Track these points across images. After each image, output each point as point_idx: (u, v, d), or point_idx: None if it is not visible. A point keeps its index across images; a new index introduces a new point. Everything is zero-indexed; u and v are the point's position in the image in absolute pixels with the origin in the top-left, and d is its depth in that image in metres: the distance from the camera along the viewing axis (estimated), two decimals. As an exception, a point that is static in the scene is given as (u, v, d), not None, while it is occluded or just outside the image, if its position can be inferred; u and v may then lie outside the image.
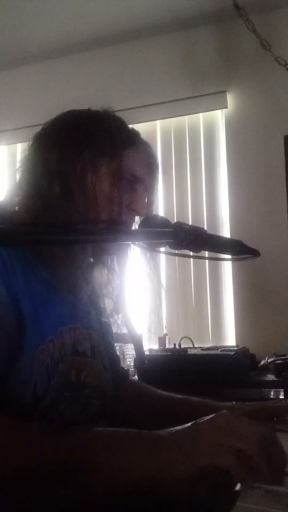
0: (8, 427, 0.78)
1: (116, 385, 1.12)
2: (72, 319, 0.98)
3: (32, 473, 0.76)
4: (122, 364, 2.58)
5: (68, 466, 0.76)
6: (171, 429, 0.77)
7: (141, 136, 1.05)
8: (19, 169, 0.99)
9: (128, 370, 1.30)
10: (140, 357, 1.10)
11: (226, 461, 0.69)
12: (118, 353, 2.58)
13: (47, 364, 0.88)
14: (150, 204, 1.06)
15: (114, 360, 1.20)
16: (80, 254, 0.93)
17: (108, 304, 1.09)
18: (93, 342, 1.04)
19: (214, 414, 0.75)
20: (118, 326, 1.12)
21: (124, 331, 1.08)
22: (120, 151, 0.95)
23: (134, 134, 1.02)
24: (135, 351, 1.10)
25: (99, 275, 1.05)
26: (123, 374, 1.25)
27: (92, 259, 1.02)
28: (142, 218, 1.01)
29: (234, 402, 1.10)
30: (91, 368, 1.01)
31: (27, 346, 0.85)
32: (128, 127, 1.03)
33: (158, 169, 1.06)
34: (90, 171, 0.94)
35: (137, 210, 1.00)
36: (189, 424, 0.76)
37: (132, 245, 1.04)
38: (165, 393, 1.18)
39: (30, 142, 1.01)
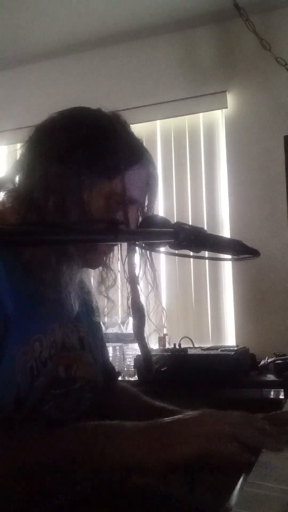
0: None
1: (106, 383, 1.12)
2: (59, 315, 0.97)
3: (18, 477, 0.76)
4: (122, 365, 2.59)
5: (61, 459, 0.77)
6: (176, 416, 0.79)
7: (146, 152, 1.00)
8: (16, 168, 0.96)
9: (118, 371, 1.30)
10: (147, 369, 1.09)
11: (227, 447, 0.71)
12: (118, 353, 2.60)
13: (31, 365, 0.88)
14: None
15: (104, 360, 1.19)
16: (65, 259, 0.92)
17: (100, 303, 1.08)
18: (81, 334, 1.04)
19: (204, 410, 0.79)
20: (116, 327, 1.11)
21: (116, 331, 1.07)
22: (121, 172, 0.92)
23: (139, 153, 0.98)
24: (143, 364, 1.08)
25: (93, 274, 1.05)
26: (113, 375, 1.24)
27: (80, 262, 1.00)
28: (143, 218, 1.01)
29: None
30: (81, 361, 1.01)
31: (9, 348, 0.84)
32: (135, 143, 0.99)
33: (157, 184, 1.04)
34: (86, 188, 0.91)
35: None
36: (182, 415, 0.79)
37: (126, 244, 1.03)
38: (157, 403, 1.13)
39: (32, 136, 0.97)
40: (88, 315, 1.11)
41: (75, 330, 1.03)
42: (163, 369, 1.14)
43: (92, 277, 1.07)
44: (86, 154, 0.91)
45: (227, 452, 0.71)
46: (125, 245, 1.05)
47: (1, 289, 0.84)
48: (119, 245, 1.04)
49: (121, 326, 2.58)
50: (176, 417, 0.80)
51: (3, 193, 0.96)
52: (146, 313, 1.02)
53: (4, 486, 0.76)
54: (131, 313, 1.00)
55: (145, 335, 1.02)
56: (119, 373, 1.29)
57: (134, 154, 0.96)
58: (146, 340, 1.02)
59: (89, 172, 0.91)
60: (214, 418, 0.77)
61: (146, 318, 1.04)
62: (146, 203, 1.03)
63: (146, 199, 1.03)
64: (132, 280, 1.01)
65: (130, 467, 0.75)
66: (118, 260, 1.06)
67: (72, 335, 1.02)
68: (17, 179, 0.96)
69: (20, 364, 0.86)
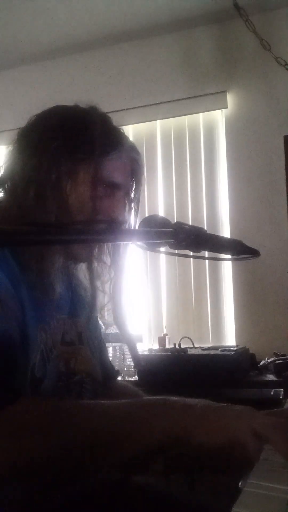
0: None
1: (105, 382, 1.12)
2: (58, 309, 1.00)
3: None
4: (122, 365, 2.59)
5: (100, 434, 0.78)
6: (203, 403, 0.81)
7: (127, 139, 1.01)
8: (3, 165, 0.99)
9: (118, 370, 1.30)
10: (136, 358, 1.10)
11: (246, 438, 0.73)
12: (118, 353, 2.60)
13: (41, 350, 0.91)
14: (133, 208, 1.05)
15: (102, 358, 1.19)
16: (51, 258, 0.93)
17: (100, 299, 1.09)
18: (79, 329, 1.06)
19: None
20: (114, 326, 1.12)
21: (116, 330, 1.08)
22: (99, 157, 0.94)
23: (118, 139, 0.99)
24: (130, 352, 1.10)
25: (91, 270, 1.05)
26: (112, 374, 1.24)
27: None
28: (142, 218, 1.01)
29: None
30: (80, 354, 1.03)
31: (28, 331, 0.88)
32: (114, 130, 1.00)
33: (143, 173, 1.05)
34: (66, 176, 0.93)
35: (114, 216, 0.98)
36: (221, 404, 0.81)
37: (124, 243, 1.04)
38: None
39: (15, 138, 1.01)
40: (85, 310, 1.11)
41: (73, 325, 1.05)
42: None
43: (88, 273, 1.08)
44: (61, 143, 0.93)
45: (253, 450, 0.73)
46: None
47: (13, 276, 0.88)
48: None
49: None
50: (225, 404, 0.81)
51: None
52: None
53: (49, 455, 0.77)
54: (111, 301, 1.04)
55: (126, 322, 1.05)
56: (118, 372, 1.29)
57: (112, 139, 0.97)
58: (127, 328, 1.05)
59: (66, 160, 0.93)
60: (254, 415, 0.78)
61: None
62: (132, 189, 1.04)
63: (132, 185, 1.03)
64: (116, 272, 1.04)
65: (176, 439, 0.76)
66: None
67: (71, 330, 1.03)
68: (2, 179, 0.98)
69: (34, 347, 0.89)
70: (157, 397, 0.84)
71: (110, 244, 1.04)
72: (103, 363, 1.17)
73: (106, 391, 1.10)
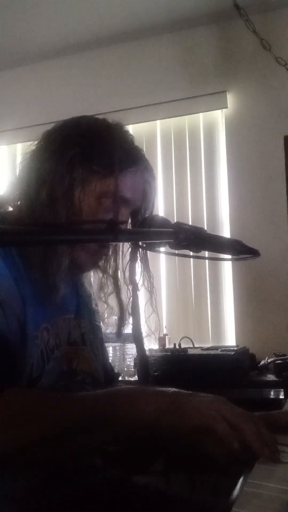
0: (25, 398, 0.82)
1: (106, 384, 1.13)
2: (64, 310, 1.02)
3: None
4: (122, 365, 2.59)
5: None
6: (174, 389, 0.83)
7: (144, 160, 1.03)
8: (19, 167, 1.01)
9: (119, 373, 1.31)
10: (144, 372, 1.11)
11: (217, 425, 0.75)
12: (118, 353, 2.60)
13: (41, 350, 0.92)
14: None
15: (104, 360, 1.20)
16: (56, 257, 0.95)
17: (101, 306, 1.11)
18: (83, 330, 1.07)
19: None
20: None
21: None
22: (114, 171, 0.95)
23: (135, 157, 1.01)
24: (140, 368, 1.11)
25: (93, 279, 1.08)
26: (113, 376, 1.25)
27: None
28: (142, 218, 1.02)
29: None
30: (82, 355, 1.04)
31: (27, 330, 0.89)
32: (133, 149, 1.02)
33: (154, 197, 1.06)
34: (78, 184, 0.95)
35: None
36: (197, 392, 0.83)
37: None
38: None
39: (36, 141, 1.02)
40: (89, 315, 1.13)
41: (77, 326, 1.06)
42: (156, 373, 1.15)
43: (92, 281, 1.11)
44: (79, 152, 0.96)
45: (222, 433, 0.74)
46: (126, 249, 1.08)
47: (17, 275, 0.89)
48: (118, 249, 1.06)
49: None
50: (196, 392, 0.83)
51: (7, 189, 1.02)
52: (143, 317, 1.08)
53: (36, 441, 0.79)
54: (129, 316, 1.06)
55: (143, 338, 1.06)
56: (118, 374, 1.30)
57: (129, 157, 0.99)
58: (143, 343, 1.06)
59: (81, 168, 0.95)
60: (225, 403, 0.80)
61: (144, 322, 1.07)
62: (140, 209, 1.05)
63: (141, 205, 1.05)
64: (133, 286, 1.06)
65: (149, 422, 0.78)
66: (118, 265, 1.08)
67: (75, 331, 1.05)
68: (18, 180, 1.01)
69: (32, 347, 0.90)
70: (133, 386, 0.88)
71: (120, 256, 1.06)
72: (104, 366, 1.18)
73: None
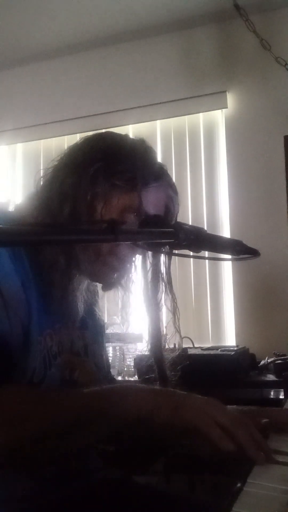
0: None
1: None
2: (68, 318, 1.01)
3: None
4: (122, 365, 2.58)
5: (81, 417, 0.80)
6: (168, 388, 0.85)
7: (167, 175, 1.04)
8: (42, 178, 1.01)
9: (114, 377, 1.32)
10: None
11: (210, 430, 0.75)
12: (118, 353, 2.60)
13: (44, 355, 0.92)
14: None
15: (102, 362, 1.20)
16: (75, 264, 0.96)
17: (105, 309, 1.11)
18: (86, 341, 1.08)
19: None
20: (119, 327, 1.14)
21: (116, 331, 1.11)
22: (137, 186, 0.96)
23: (158, 173, 1.01)
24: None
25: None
26: (109, 379, 1.25)
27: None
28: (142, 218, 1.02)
29: None
30: (84, 367, 1.04)
31: (31, 334, 0.89)
32: (156, 164, 1.02)
33: (177, 210, 1.06)
34: (101, 198, 0.95)
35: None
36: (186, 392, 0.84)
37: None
38: None
39: (59, 156, 1.02)
40: (93, 320, 1.14)
41: (81, 337, 1.06)
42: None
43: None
44: (102, 166, 0.96)
45: (215, 439, 0.74)
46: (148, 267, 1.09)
47: (25, 278, 0.89)
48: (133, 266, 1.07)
49: (121, 326, 2.58)
50: (190, 393, 0.84)
51: (25, 201, 1.02)
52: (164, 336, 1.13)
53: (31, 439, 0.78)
54: (149, 337, 1.12)
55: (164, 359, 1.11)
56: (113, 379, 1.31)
57: (152, 173, 0.99)
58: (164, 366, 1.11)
59: (104, 183, 0.95)
60: (219, 406, 0.80)
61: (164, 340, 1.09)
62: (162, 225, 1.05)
63: (163, 221, 1.04)
64: (154, 306, 1.10)
65: (143, 418, 0.79)
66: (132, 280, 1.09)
67: (78, 342, 1.05)
68: (40, 191, 1.01)
69: (35, 351, 0.90)
70: (128, 383, 0.89)
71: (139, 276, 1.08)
72: (106, 378, 1.18)
73: None
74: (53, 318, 0.96)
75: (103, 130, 1.05)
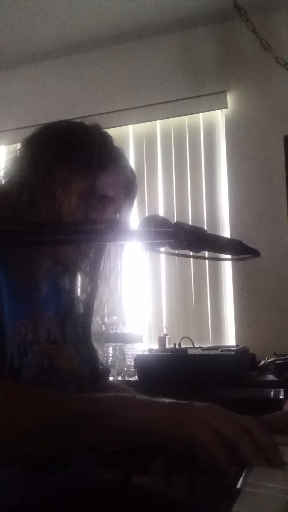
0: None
1: (94, 379, 1.12)
2: (43, 308, 1.02)
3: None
4: (122, 365, 2.58)
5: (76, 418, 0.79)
6: (169, 400, 0.81)
7: (124, 158, 1.05)
8: (3, 170, 1.02)
9: (108, 369, 1.31)
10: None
11: (213, 447, 0.71)
12: (118, 353, 2.60)
13: (19, 343, 0.93)
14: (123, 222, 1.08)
15: (91, 355, 1.19)
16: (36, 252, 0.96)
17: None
18: (64, 329, 1.08)
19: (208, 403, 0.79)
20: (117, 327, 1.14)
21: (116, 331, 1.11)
22: (95, 170, 0.97)
23: (115, 156, 1.03)
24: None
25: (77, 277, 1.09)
26: (102, 372, 1.24)
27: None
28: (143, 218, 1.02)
29: None
30: (64, 353, 1.04)
31: (4, 321, 0.90)
32: (112, 148, 1.04)
33: (135, 191, 1.08)
34: (60, 185, 0.97)
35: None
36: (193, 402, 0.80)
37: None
38: None
39: (19, 146, 1.04)
40: (74, 315, 1.13)
41: (58, 325, 1.07)
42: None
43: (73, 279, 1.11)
44: (59, 153, 0.98)
45: (217, 457, 0.71)
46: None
47: None
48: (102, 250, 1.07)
49: (121, 326, 2.58)
50: (190, 402, 0.80)
51: None
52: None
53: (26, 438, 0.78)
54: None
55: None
56: (108, 371, 1.30)
57: (109, 156, 1.01)
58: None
59: (61, 169, 0.97)
60: (221, 413, 0.77)
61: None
62: (123, 207, 1.06)
63: (124, 203, 1.06)
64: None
65: (141, 431, 0.77)
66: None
67: (56, 330, 1.05)
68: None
69: (11, 340, 0.91)
70: (124, 393, 0.88)
71: (103, 255, 1.07)
72: (91, 363, 1.17)
73: (94, 391, 1.10)
74: (25, 309, 0.96)
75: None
